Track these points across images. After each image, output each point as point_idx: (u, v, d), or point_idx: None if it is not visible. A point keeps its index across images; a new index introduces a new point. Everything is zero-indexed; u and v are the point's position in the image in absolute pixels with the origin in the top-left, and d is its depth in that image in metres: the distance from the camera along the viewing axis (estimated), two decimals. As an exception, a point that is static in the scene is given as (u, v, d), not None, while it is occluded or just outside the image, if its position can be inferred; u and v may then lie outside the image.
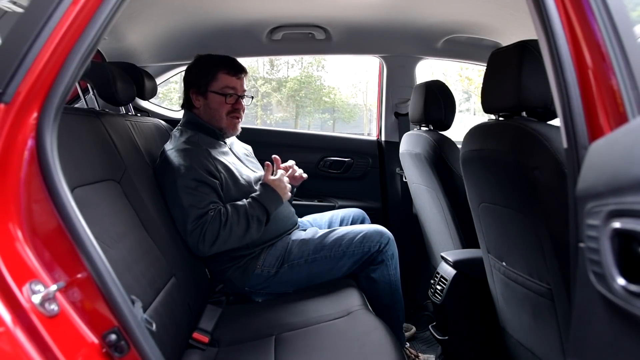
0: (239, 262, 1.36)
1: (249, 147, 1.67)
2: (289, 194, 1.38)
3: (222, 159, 1.38)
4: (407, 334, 1.65)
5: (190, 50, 2.00)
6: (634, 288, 0.43)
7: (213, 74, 1.41)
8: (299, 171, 1.51)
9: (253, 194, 1.33)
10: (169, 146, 1.37)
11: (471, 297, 1.29)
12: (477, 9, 1.62)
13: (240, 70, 1.44)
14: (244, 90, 1.46)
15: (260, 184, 1.35)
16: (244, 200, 1.32)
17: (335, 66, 14.09)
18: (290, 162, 1.49)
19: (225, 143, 1.49)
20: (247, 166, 1.49)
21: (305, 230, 1.50)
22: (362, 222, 1.65)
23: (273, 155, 1.41)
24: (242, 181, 1.39)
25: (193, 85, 1.44)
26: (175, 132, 1.43)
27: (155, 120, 1.87)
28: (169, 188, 1.29)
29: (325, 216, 1.71)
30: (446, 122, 1.56)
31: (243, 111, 1.47)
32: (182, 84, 1.49)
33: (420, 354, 1.52)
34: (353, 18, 1.76)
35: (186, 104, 1.47)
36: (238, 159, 1.49)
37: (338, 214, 1.70)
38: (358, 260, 1.38)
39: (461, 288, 1.29)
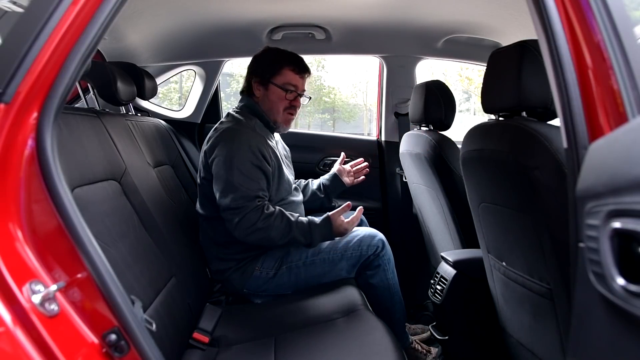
0: (239, 263, 1.36)
1: (288, 150, 1.68)
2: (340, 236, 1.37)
3: (273, 150, 1.40)
4: (422, 335, 1.64)
5: (190, 50, 2.02)
6: (634, 288, 0.43)
7: (279, 68, 1.42)
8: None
9: (312, 218, 1.34)
10: (227, 123, 1.38)
11: (471, 297, 1.29)
12: (477, 9, 1.62)
13: (305, 70, 1.46)
14: (304, 90, 1.48)
15: (326, 215, 1.34)
16: (297, 215, 1.34)
17: (335, 66, 14.13)
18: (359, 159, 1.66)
19: (274, 138, 1.51)
20: (286, 165, 1.51)
21: None
22: (360, 224, 1.65)
23: (347, 202, 1.40)
24: (285, 177, 1.42)
25: (257, 74, 1.45)
26: (232, 112, 1.44)
27: (156, 120, 1.87)
28: (221, 162, 1.29)
29: None
30: (446, 122, 1.56)
31: (299, 109, 1.50)
32: (246, 72, 1.50)
33: (432, 348, 1.52)
34: (353, 18, 1.76)
35: (246, 91, 1.48)
36: (282, 155, 1.51)
37: None
38: (355, 263, 1.38)
39: (461, 288, 1.29)
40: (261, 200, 1.28)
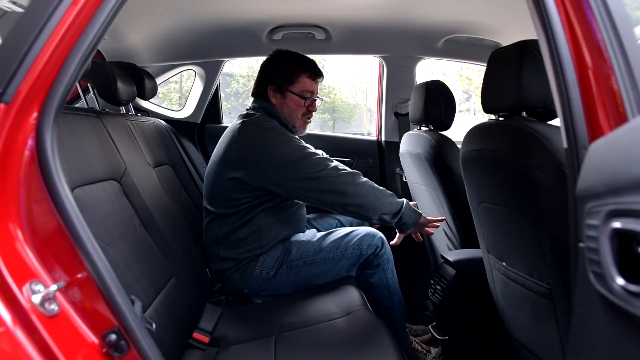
0: (239, 263, 1.36)
1: None
2: (427, 228, 1.38)
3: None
4: (423, 337, 1.64)
5: (190, 50, 2.02)
6: (634, 288, 0.43)
7: (295, 75, 1.42)
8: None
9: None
10: (249, 125, 1.35)
11: (471, 297, 1.29)
12: (477, 9, 1.62)
13: (320, 75, 1.47)
14: (318, 93, 1.49)
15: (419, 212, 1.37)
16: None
17: (335, 66, 14.12)
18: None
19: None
20: None
21: (304, 232, 1.50)
22: (360, 224, 1.65)
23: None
24: None
25: (273, 82, 1.44)
26: (252, 112, 1.43)
27: (156, 120, 1.87)
28: (271, 153, 1.28)
29: (324, 217, 1.71)
30: (446, 122, 1.56)
31: (314, 112, 1.51)
32: (258, 75, 1.49)
33: (432, 348, 1.52)
34: (353, 18, 1.76)
35: (262, 95, 1.46)
36: None
37: (337, 215, 1.71)
38: (355, 262, 1.38)
39: (461, 288, 1.29)
40: (335, 164, 1.31)
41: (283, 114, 1.44)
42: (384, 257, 1.40)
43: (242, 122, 1.37)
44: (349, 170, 1.32)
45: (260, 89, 1.46)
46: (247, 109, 1.47)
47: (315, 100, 1.47)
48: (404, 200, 1.34)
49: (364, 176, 2.04)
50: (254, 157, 1.30)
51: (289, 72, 1.42)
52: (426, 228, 1.37)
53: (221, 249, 1.38)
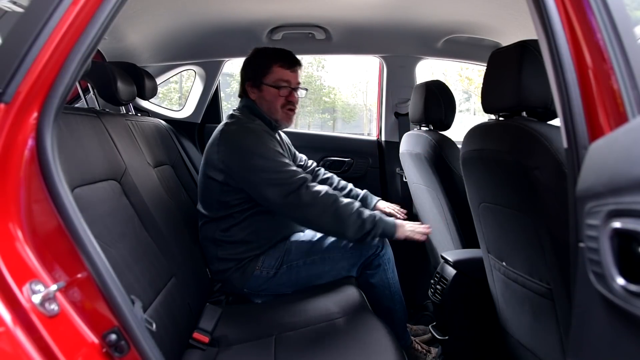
0: (239, 263, 1.36)
1: (290, 145, 1.69)
2: (409, 232, 1.34)
3: (281, 147, 1.41)
4: (423, 337, 1.64)
5: (190, 50, 2.02)
6: (634, 288, 0.43)
7: (268, 66, 1.42)
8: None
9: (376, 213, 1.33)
10: (233, 124, 1.37)
11: (471, 297, 1.29)
12: (477, 9, 1.62)
13: (295, 63, 1.45)
14: (298, 83, 1.47)
15: (393, 221, 1.34)
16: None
17: (335, 66, 14.12)
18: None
19: (279, 135, 1.51)
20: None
21: (304, 231, 1.50)
22: None
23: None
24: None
25: (249, 78, 1.45)
26: (235, 112, 1.44)
27: (156, 120, 1.87)
28: (244, 160, 1.29)
29: None
30: (446, 122, 1.56)
31: (297, 103, 1.48)
32: (239, 75, 1.51)
33: (432, 348, 1.52)
34: (353, 18, 1.76)
35: (243, 94, 1.48)
36: (289, 153, 1.52)
37: None
38: (356, 262, 1.38)
39: (461, 288, 1.29)
40: (304, 176, 1.29)
41: (263, 108, 1.44)
42: (384, 257, 1.40)
43: (225, 124, 1.39)
44: (323, 190, 1.28)
45: (242, 88, 1.48)
46: (233, 110, 1.47)
47: (294, 89, 1.45)
48: (375, 217, 1.30)
49: (364, 176, 2.05)
50: (233, 160, 1.31)
51: (262, 65, 1.43)
52: (414, 236, 1.33)
53: (219, 250, 1.38)
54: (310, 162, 1.76)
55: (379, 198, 1.68)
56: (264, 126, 1.41)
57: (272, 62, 1.42)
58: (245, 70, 1.48)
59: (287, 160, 1.32)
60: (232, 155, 1.31)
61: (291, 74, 1.43)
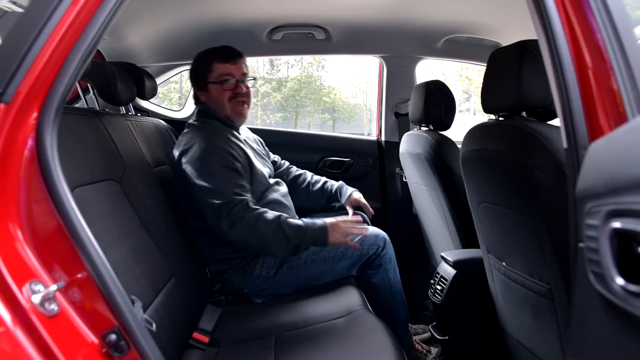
0: (239, 263, 1.36)
1: (262, 141, 1.67)
2: (340, 238, 1.26)
3: (240, 146, 1.39)
4: (423, 335, 1.64)
5: (190, 50, 2.00)
6: (633, 288, 0.43)
7: (208, 65, 1.41)
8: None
9: (305, 219, 1.29)
10: (187, 134, 1.37)
11: (471, 297, 1.29)
12: (477, 9, 1.62)
13: (234, 55, 1.42)
14: (244, 74, 1.44)
15: (324, 221, 1.27)
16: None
17: (335, 66, 14.14)
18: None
19: (239, 133, 1.49)
20: (259, 160, 1.49)
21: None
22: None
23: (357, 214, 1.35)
24: (259, 171, 1.40)
25: (195, 82, 1.46)
26: (192, 121, 1.44)
27: (156, 120, 1.87)
28: (192, 172, 1.28)
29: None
30: (446, 122, 1.56)
31: (248, 96, 1.45)
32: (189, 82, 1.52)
33: (432, 348, 1.52)
34: (353, 18, 1.76)
35: (196, 100, 1.49)
36: (253, 150, 1.50)
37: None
38: (357, 262, 1.38)
39: (461, 288, 1.29)
40: (241, 196, 1.25)
41: (213, 107, 1.43)
42: (385, 257, 1.39)
43: (178, 142, 1.39)
44: (248, 213, 1.22)
45: (194, 96, 1.49)
46: (190, 120, 1.47)
47: (240, 81, 1.42)
48: (301, 229, 1.23)
49: (364, 176, 2.04)
50: (182, 165, 1.31)
51: (203, 66, 1.43)
52: (347, 243, 1.26)
53: (218, 251, 1.37)
54: (283, 161, 1.74)
55: (355, 189, 1.63)
56: (221, 127, 1.40)
57: (211, 60, 1.41)
58: (191, 77, 1.48)
59: (220, 180, 1.26)
60: (185, 168, 1.30)
61: (232, 67, 1.41)
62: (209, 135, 1.34)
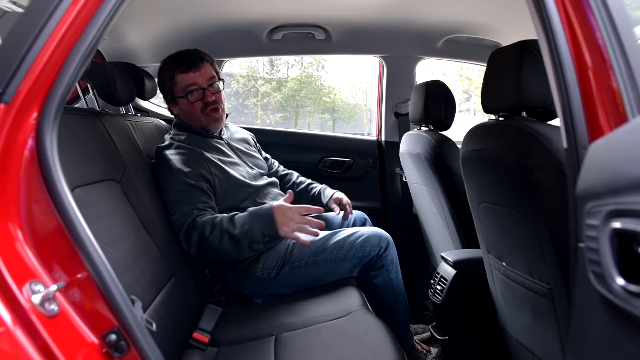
0: (239, 265, 1.36)
1: (251, 138, 1.65)
2: (291, 230, 1.20)
3: (216, 157, 1.37)
4: (423, 335, 1.64)
5: (190, 50, 2.02)
6: (633, 288, 0.44)
7: (171, 79, 1.38)
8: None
9: (250, 208, 1.25)
10: (162, 147, 1.37)
11: (471, 297, 1.29)
12: (477, 9, 1.62)
13: (194, 62, 1.36)
14: (211, 78, 1.39)
15: (268, 206, 1.24)
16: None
17: (335, 66, 14.14)
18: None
19: (221, 138, 1.47)
20: (244, 162, 1.48)
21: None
22: (363, 224, 1.65)
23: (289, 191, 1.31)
24: (239, 177, 1.38)
25: (164, 96, 1.44)
26: (168, 135, 1.44)
27: (155, 120, 1.86)
28: (161, 187, 1.29)
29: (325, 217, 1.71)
30: (446, 122, 1.56)
31: (219, 100, 1.40)
32: None
33: (432, 348, 1.52)
34: (353, 18, 1.76)
35: (170, 112, 1.48)
36: (235, 153, 1.48)
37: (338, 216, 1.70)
38: (358, 263, 1.37)
39: (461, 288, 1.29)
40: (199, 211, 1.24)
41: (186, 119, 1.42)
42: (387, 258, 1.38)
43: (156, 149, 1.38)
44: (202, 225, 1.20)
45: (167, 105, 1.47)
46: (167, 134, 1.47)
47: (205, 89, 1.37)
48: (245, 226, 1.20)
49: (364, 177, 2.04)
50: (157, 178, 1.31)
51: (166, 80, 1.39)
52: (299, 238, 1.21)
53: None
54: (273, 160, 1.73)
55: (335, 191, 1.61)
56: (196, 139, 1.38)
57: (172, 73, 1.37)
58: (160, 91, 1.46)
59: (192, 198, 1.25)
60: (157, 184, 1.30)
61: (195, 74, 1.36)
62: (179, 153, 1.32)
